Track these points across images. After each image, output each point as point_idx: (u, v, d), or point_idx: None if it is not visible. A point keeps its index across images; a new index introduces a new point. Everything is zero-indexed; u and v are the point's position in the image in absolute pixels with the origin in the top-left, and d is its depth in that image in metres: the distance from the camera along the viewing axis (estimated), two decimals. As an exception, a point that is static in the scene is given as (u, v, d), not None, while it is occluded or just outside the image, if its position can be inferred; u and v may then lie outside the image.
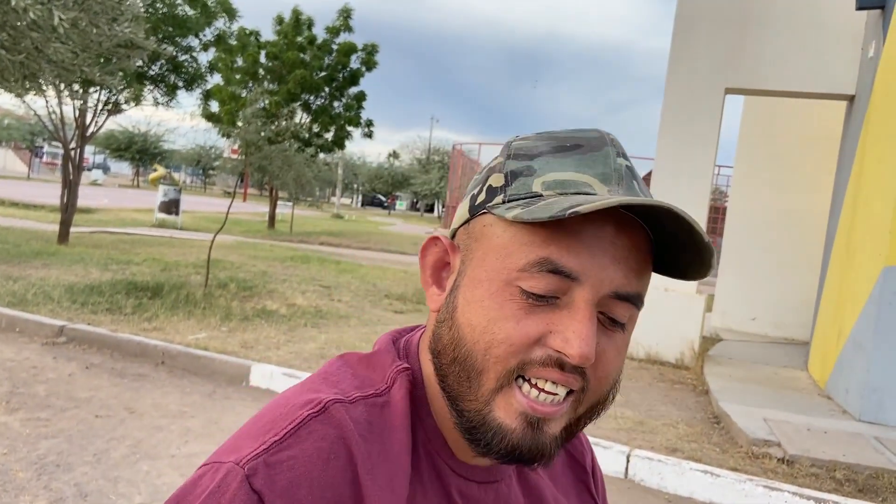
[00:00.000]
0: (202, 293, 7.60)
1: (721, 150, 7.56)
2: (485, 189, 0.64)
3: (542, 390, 0.59)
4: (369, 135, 22.26)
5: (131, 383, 4.78)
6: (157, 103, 11.70)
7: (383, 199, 66.29)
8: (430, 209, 63.72)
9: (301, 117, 20.35)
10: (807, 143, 9.38)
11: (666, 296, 6.99)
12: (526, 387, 0.59)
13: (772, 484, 3.86)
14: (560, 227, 0.57)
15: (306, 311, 7.60)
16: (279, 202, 22.03)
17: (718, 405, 5.31)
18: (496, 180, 0.63)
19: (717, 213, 22.94)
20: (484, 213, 0.63)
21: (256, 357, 5.42)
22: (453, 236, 0.67)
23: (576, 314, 0.58)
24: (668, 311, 6.97)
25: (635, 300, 0.61)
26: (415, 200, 67.11)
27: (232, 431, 3.23)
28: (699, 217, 7.07)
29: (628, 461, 4.12)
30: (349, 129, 21.56)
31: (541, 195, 0.60)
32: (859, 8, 6.27)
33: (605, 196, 0.57)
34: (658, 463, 4.07)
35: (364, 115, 21.87)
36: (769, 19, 6.91)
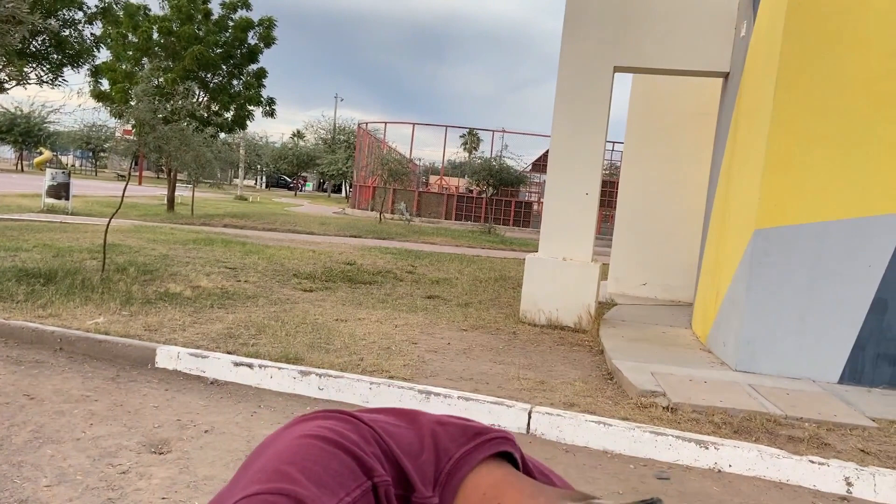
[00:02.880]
0: (99, 278, 7.36)
1: (615, 127, 7.97)
2: None
3: None
4: (271, 114, 21.81)
5: (29, 370, 4.64)
6: (41, 82, 11.06)
7: (288, 179, 64.99)
8: (338, 189, 63.01)
9: (198, 96, 19.68)
10: (689, 118, 10.00)
11: (564, 265, 7.36)
12: None
13: (658, 430, 4.23)
14: None
15: (212, 292, 7.51)
16: (178, 184, 21.29)
17: (612, 362, 5.70)
18: None
19: (612, 188, 23.97)
20: None
21: (161, 339, 5.36)
22: None
23: None
24: (567, 279, 7.35)
25: None
26: (321, 181, 66.18)
27: (139, 414, 3.23)
28: (594, 190, 7.45)
29: (530, 417, 4.39)
30: (250, 108, 21.06)
31: None
32: (732, -9, 6.75)
33: None
34: (557, 417, 4.36)
35: (265, 94, 21.41)
36: (652, 0, 7.32)
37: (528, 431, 4.38)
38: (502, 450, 0.65)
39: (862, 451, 4.13)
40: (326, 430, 0.61)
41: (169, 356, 5.04)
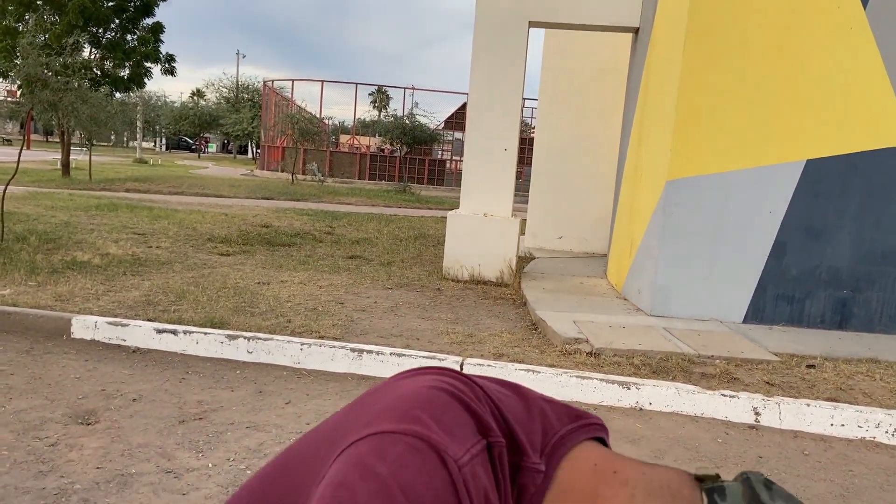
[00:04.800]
0: (-2, 248, 6.92)
1: (528, 84, 8.06)
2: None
3: None
4: (171, 71, 20.78)
5: (-69, 347, 4.35)
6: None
7: (190, 141, 62.29)
8: (243, 150, 60.97)
9: (90, 52, 18.46)
10: (601, 74, 10.24)
11: (485, 221, 7.48)
12: None
13: (583, 374, 4.43)
14: None
15: (122, 259, 7.20)
16: (72, 147, 20.04)
17: (535, 313, 5.89)
18: None
19: (525, 144, 24.35)
20: None
21: (75, 309, 5.12)
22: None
23: None
24: (488, 234, 7.48)
25: None
26: (226, 142, 63.81)
27: (60, 386, 3.13)
28: (512, 146, 7.56)
29: (462, 369, 4.50)
30: (148, 65, 19.97)
31: None
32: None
33: None
34: (488, 368, 4.49)
35: (164, 50, 20.34)
36: (565, -44, 7.38)
37: (460, 382, 4.49)
38: (599, 435, 0.69)
39: (767, 383, 4.48)
40: (447, 384, 0.63)
41: (85, 326, 4.83)
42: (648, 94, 6.83)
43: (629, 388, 4.31)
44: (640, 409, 4.26)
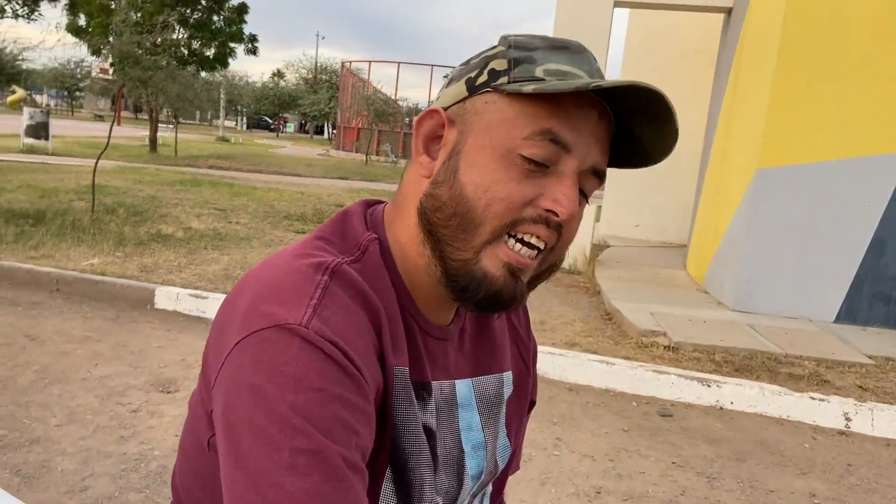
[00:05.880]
0: (89, 219, 7.23)
1: (609, 67, 7.81)
2: (486, 72, 0.70)
3: (527, 244, 0.69)
4: (253, 51, 21.26)
5: (27, 311, 4.57)
6: (16, 16, 10.60)
7: (270, 121, 63.80)
8: (320, 131, 62.07)
9: (178, 32, 19.06)
10: (686, 57, 9.83)
11: (561, 205, 7.31)
12: (511, 241, 0.68)
13: (660, 368, 4.27)
14: (559, 106, 0.66)
15: (204, 234, 7.41)
16: (159, 125, 20.80)
17: (610, 303, 5.73)
18: (499, 65, 0.70)
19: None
20: (487, 91, 0.69)
21: (159, 280, 5.29)
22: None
23: (564, 180, 0.68)
24: (563, 220, 7.31)
25: (602, 177, 0.72)
26: (303, 122, 65.08)
27: (143, 354, 3.19)
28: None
29: (533, 356, 4.41)
30: (232, 45, 20.48)
31: (543, 79, 0.67)
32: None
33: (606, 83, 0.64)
34: (559, 356, 4.39)
35: (247, 30, 20.81)
36: (656, -68, 7.09)
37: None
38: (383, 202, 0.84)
39: (860, 387, 4.21)
40: (280, 261, 0.70)
41: (168, 297, 4.98)
42: (740, 77, 6.50)
43: (709, 386, 4.13)
44: (721, 407, 4.08)
